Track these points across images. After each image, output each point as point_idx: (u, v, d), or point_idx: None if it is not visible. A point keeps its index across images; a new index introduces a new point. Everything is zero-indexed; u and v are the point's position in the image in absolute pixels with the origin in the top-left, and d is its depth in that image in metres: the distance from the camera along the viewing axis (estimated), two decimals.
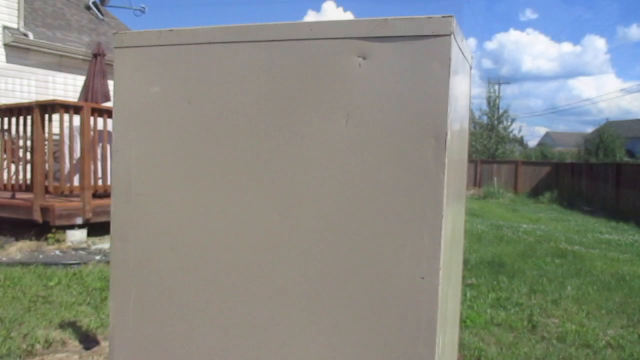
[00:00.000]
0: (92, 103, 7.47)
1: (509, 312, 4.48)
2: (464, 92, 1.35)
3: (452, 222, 1.19)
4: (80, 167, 6.52)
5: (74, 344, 3.33)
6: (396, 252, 1.03)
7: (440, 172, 1.00)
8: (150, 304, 1.25)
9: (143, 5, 14.26)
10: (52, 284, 4.71)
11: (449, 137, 1.00)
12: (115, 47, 1.25)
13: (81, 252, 6.17)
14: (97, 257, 5.84)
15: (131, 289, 1.27)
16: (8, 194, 6.86)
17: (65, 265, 5.46)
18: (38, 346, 3.23)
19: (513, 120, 33.50)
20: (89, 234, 6.78)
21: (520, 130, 44.45)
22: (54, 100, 6.47)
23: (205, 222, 1.19)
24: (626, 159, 28.94)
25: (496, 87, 33.46)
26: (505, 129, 32.98)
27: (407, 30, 1.01)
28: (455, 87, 1.07)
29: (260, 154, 1.13)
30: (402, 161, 1.02)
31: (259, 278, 1.14)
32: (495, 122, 32.53)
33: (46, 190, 6.54)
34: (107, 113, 6.61)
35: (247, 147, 1.13)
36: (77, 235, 6.60)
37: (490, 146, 30.90)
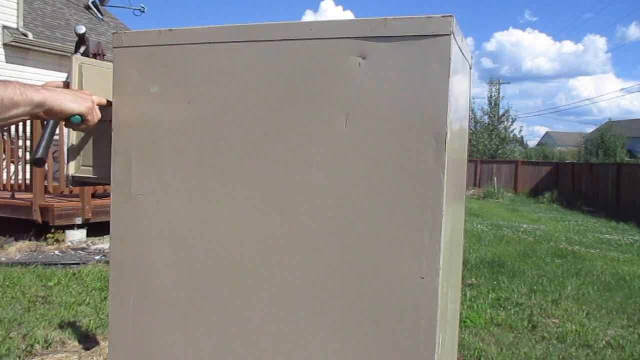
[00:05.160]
0: None
1: (509, 312, 4.48)
2: (464, 92, 1.35)
3: (452, 222, 1.19)
4: None
5: (74, 344, 3.33)
6: (396, 252, 1.02)
7: (440, 172, 0.99)
8: (150, 304, 1.24)
9: (143, 5, 14.25)
10: (51, 284, 4.72)
11: (449, 137, 1.00)
12: (115, 47, 1.25)
13: (81, 252, 6.17)
14: (97, 257, 5.84)
15: (131, 289, 1.26)
16: (8, 194, 6.86)
17: (65, 265, 5.46)
18: (38, 346, 3.23)
19: (514, 121, 33.46)
20: (89, 234, 6.78)
21: (521, 131, 44.34)
22: None
23: (204, 222, 1.18)
24: (627, 159, 28.93)
25: (497, 87, 33.36)
26: (506, 129, 32.94)
27: (407, 30, 1.00)
28: (455, 87, 1.06)
29: (260, 154, 1.12)
30: (402, 161, 1.02)
31: (257, 277, 1.14)
32: (496, 123, 32.48)
33: (46, 191, 6.54)
34: None
35: (247, 148, 1.13)
36: (77, 236, 6.60)
37: (492, 147, 30.84)
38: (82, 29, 1.39)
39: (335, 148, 1.06)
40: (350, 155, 1.05)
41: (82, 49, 1.41)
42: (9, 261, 5.61)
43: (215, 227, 1.17)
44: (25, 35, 10.78)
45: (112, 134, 1.26)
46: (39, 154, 1.24)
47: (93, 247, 6.41)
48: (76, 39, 1.46)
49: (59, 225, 6.40)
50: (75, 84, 1.32)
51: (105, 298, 4.38)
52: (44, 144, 1.24)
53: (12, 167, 6.95)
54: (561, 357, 3.53)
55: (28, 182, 6.71)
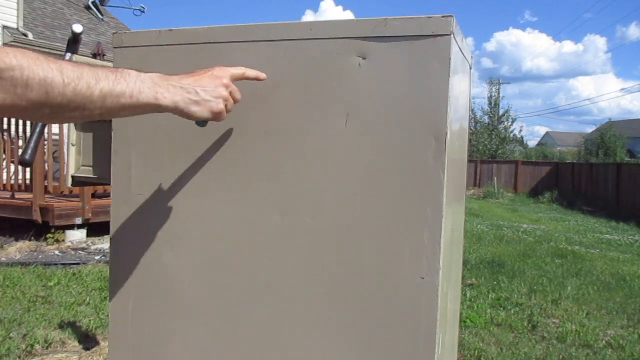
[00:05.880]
0: None
1: (509, 312, 4.48)
2: (464, 92, 1.35)
3: (452, 222, 1.19)
4: None
5: (74, 344, 3.33)
6: (396, 252, 1.02)
7: (440, 172, 0.99)
8: (150, 304, 1.24)
9: (143, 5, 14.25)
10: (51, 284, 4.71)
11: (449, 137, 1.00)
12: (115, 47, 1.25)
13: (81, 252, 6.17)
14: (97, 257, 5.84)
15: (131, 289, 1.26)
16: (8, 194, 6.86)
17: (65, 265, 5.45)
18: (38, 346, 3.23)
19: (514, 121, 33.43)
20: (89, 234, 6.78)
21: (521, 131, 44.27)
22: None
23: (204, 222, 1.18)
24: (627, 159, 28.93)
25: (497, 87, 33.27)
26: (506, 129, 32.90)
27: (407, 30, 1.00)
28: (455, 87, 1.06)
29: (259, 154, 1.12)
30: (402, 161, 1.02)
31: (258, 278, 1.14)
32: (496, 123, 32.43)
33: (46, 191, 6.53)
34: None
35: (246, 147, 1.13)
36: (77, 236, 6.60)
37: (492, 147, 30.78)
38: (79, 28, 1.39)
39: (335, 148, 1.06)
40: (350, 155, 1.05)
41: (76, 48, 1.41)
42: (9, 261, 5.61)
43: (214, 227, 1.17)
44: (25, 35, 10.78)
45: (112, 134, 1.26)
46: (28, 155, 1.23)
47: (93, 247, 6.40)
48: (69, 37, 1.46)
49: (59, 225, 6.39)
50: None
51: (105, 298, 4.38)
52: (32, 144, 1.22)
53: (12, 167, 6.95)
54: (561, 357, 3.53)
55: (28, 182, 6.70)
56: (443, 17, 0.98)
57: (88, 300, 4.30)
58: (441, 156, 0.99)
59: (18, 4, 10.80)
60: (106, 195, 7.01)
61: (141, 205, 1.24)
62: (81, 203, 6.47)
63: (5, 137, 6.94)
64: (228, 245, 1.16)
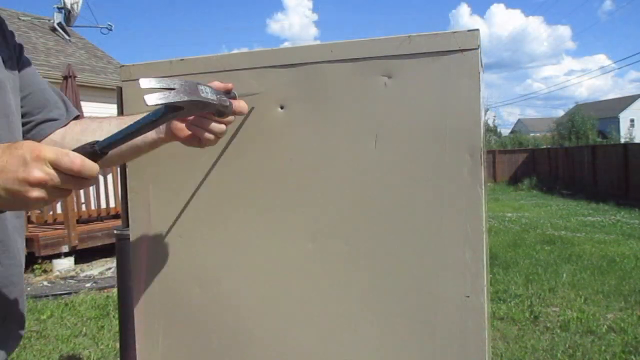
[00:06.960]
0: None
1: (509, 304, 4.51)
2: (483, 99, 1.34)
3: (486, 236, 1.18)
4: None
5: None
6: (438, 271, 1.01)
7: (477, 188, 0.98)
8: (179, 336, 1.21)
9: (110, 23, 14.02)
10: (44, 317, 4.59)
11: (483, 152, 0.98)
12: (123, 81, 1.21)
13: (70, 280, 6.02)
14: (88, 285, 5.70)
15: (159, 329, 1.22)
16: None
17: (56, 296, 5.32)
18: None
19: (487, 110, 33.88)
20: (77, 262, 6.63)
21: (494, 120, 44.75)
22: None
23: (228, 252, 1.15)
24: (599, 140, 29.54)
25: None
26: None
27: (432, 46, 0.99)
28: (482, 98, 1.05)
29: (286, 178, 1.10)
30: (438, 179, 1.00)
31: (291, 306, 1.12)
32: None
33: (29, 220, 6.37)
34: None
35: (273, 174, 1.11)
36: (64, 264, 6.44)
37: None
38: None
39: (365, 170, 1.04)
40: (382, 177, 1.03)
41: None
42: None
43: (243, 257, 1.14)
44: None
45: (128, 169, 1.22)
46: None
47: (82, 275, 6.26)
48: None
49: (45, 254, 6.24)
50: None
51: (102, 327, 4.28)
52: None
53: None
54: (567, 345, 3.56)
55: None
56: (469, 31, 0.97)
57: (85, 330, 4.20)
58: (477, 172, 0.98)
59: None
60: (91, 220, 6.88)
61: (164, 240, 1.20)
62: (66, 230, 6.33)
63: None
64: (257, 273, 1.13)
